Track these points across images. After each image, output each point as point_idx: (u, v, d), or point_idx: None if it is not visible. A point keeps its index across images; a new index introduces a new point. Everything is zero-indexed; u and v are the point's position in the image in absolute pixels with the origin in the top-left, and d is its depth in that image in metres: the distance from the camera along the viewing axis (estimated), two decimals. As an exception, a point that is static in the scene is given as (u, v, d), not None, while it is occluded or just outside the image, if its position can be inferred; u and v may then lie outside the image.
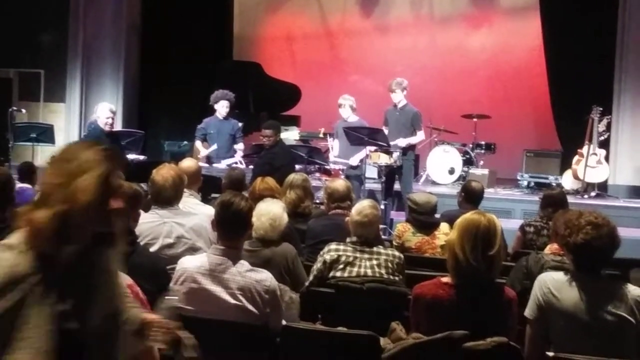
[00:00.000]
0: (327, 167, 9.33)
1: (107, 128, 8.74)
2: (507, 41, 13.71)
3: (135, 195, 3.92)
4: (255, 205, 5.26)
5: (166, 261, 4.11)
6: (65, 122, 12.58)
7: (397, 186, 9.29)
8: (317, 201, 6.78)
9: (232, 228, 3.70)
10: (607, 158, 10.52)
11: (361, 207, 4.53)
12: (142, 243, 4.14)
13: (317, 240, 5.20)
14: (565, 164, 11.06)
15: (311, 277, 4.45)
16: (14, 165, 9.36)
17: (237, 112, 10.71)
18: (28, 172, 7.38)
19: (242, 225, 3.73)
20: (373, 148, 8.82)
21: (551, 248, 4.53)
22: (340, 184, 5.71)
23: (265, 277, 3.63)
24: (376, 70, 13.80)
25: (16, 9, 12.30)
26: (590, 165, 10.24)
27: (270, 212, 4.58)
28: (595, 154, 10.29)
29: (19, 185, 6.19)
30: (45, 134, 10.59)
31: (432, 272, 4.32)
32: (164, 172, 4.68)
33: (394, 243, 5.66)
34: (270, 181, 5.67)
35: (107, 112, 8.81)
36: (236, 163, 9.49)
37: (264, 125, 8.81)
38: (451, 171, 11.75)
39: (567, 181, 10.72)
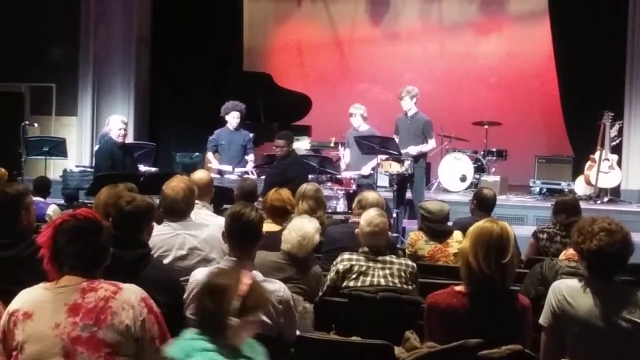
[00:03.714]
0: (339, 176, 9.32)
1: (120, 140, 8.75)
2: (516, 47, 13.69)
3: (148, 208, 3.93)
4: (267, 215, 5.30)
5: (179, 273, 4.12)
6: (77, 135, 12.65)
7: (408, 194, 9.27)
8: (329, 211, 6.78)
9: (243, 239, 3.70)
10: (619, 163, 10.48)
11: (370, 218, 4.51)
12: (155, 255, 4.14)
13: (334, 247, 5.19)
14: (578, 170, 11.03)
15: (324, 287, 4.45)
16: (27, 179, 9.41)
17: (248, 123, 10.73)
18: (43, 186, 7.42)
19: (253, 236, 3.74)
20: (384, 157, 8.82)
21: (566, 254, 4.51)
22: (372, 194, 5.69)
23: (278, 287, 3.64)
24: (386, 79, 13.81)
25: (27, 23, 12.38)
26: (602, 171, 10.20)
27: (302, 229, 4.56)
28: (608, 160, 10.25)
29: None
30: (58, 147, 10.65)
31: (446, 281, 4.31)
32: (174, 185, 4.68)
33: (407, 251, 5.65)
34: (283, 192, 5.66)
35: (120, 124, 8.83)
36: (247, 173, 9.50)
37: (277, 136, 8.82)
38: (463, 179, 11.73)
39: (580, 187, 10.68)
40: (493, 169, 11.95)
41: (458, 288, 3.42)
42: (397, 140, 9.05)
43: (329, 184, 9.25)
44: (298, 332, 3.73)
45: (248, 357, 2.66)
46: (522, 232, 6.85)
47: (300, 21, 15.05)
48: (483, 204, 6.21)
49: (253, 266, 3.70)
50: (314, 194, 5.89)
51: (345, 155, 9.81)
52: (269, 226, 5.11)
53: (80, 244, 2.79)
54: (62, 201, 9.10)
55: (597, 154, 10.27)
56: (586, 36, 11.20)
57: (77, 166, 11.14)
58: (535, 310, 3.49)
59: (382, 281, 4.33)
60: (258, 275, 3.63)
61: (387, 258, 4.44)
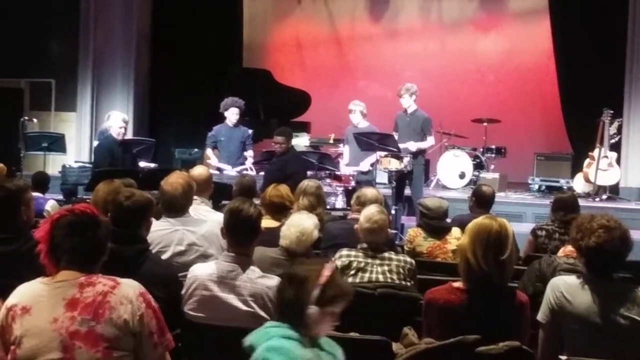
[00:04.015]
0: (338, 172, 9.32)
1: (119, 137, 8.76)
2: (516, 45, 13.70)
3: (146, 203, 3.93)
4: (265, 212, 5.30)
5: (178, 269, 4.12)
6: (76, 131, 12.64)
7: (407, 191, 9.28)
8: (328, 207, 6.78)
9: (241, 235, 3.71)
10: (618, 161, 10.48)
11: (370, 214, 4.51)
12: (154, 251, 4.15)
13: (332, 243, 5.19)
14: (577, 167, 11.03)
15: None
16: (26, 174, 9.40)
17: (247, 119, 10.74)
18: (42, 181, 7.42)
19: (252, 232, 3.74)
20: (383, 153, 8.82)
21: (564, 250, 4.51)
22: (370, 191, 5.69)
23: (276, 283, 3.63)
24: (385, 76, 13.80)
25: (26, 19, 12.37)
26: (601, 168, 10.21)
27: (301, 225, 4.55)
28: (607, 157, 10.25)
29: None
30: (57, 143, 10.63)
31: (444, 277, 4.31)
32: (173, 181, 4.69)
33: (406, 248, 5.65)
34: (282, 188, 5.65)
35: (120, 122, 8.83)
36: (246, 170, 9.50)
37: (275, 132, 8.83)
38: (462, 175, 11.73)
39: (579, 184, 10.68)
40: (492, 166, 11.95)
41: (456, 284, 3.43)
42: (396, 137, 9.04)
43: (328, 180, 9.25)
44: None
45: (326, 351, 2.72)
46: (521, 229, 6.86)
47: (299, 18, 15.05)
48: (482, 201, 6.21)
49: (251, 262, 3.70)
50: (315, 191, 5.89)
51: (345, 152, 9.81)
52: (267, 222, 5.12)
53: (78, 239, 2.78)
54: (60, 197, 9.09)
55: (596, 151, 10.27)
56: (586, 34, 11.19)
57: (76, 162, 11.12)
58: (534, 307, 3.49)
59: (381, 277, 4.34)
60: (256, 270, 3.64)
61: (386, 254, 4.44)
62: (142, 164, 9.56)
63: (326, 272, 2.70)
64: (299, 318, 2.65)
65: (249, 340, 2.70)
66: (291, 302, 2.69)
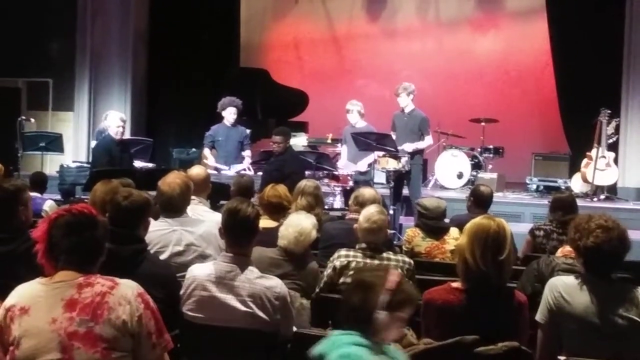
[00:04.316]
0: (336, 173, 9.32)
1: (117, 137, 8.75)
2: (514, 44, 13.70)
3: (144, 203, 3.93)
4: (263, 212, 5.30)
5: (176, 269, 4.11)
6: (73, 130, 12.62)
7: (405, 191, 9.28)
8: (326, 207, 6.78)
9: (239, 235, 3.70)
10: (616, 161, 10.48)
11: (369, 214, 4.52)
12: (152, 251, 4.14)
13: (331, 243, 5.20)
14: (574, 167, 11.03)
15: (321, 283, 4.46)
16: (24, 174, 9.40)
17: (244, 119, 10.73)
18: (40, 181, 7.42)
19: (250, 232, 3.73)
20: (381, 153, 8.81)
21: (563, 251, 4.51)
22: (368, 191, 5.69)
23: (275, 283, 3.64)
24: (383, 75, 13.80)
25: (24, 18, 12.36)
26: (599, 168, 10.20)
27: (299, 225, 4.56)
28: (604, 157, 10.25)
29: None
30: (54, 143, 10.62)
31: (442, 277, 4.32)
32: (170, 181, 4.68)
33: (404, 248, 5.65)
34: (280, 188, 5.66)
35: (118, 121, 8.81)
36: (244, 170, 9.50)
37: (274, 132, 8.82)
38: (460, 175, 11.73)
39: (576, 184, 10.68)
40: (490, 166, 11.95)
41: (455, 285, 3.43)
42: (394, 136, 9.04)
43: (326, 180, 9.25)
44: (295, 329, 3.73)
45: (393, 357, 2.70)
46: (519, 230, 6.85)
47: (297, 17, 15.04)
48: (480, 201, 6.21)
49: (250, 262, 3.70)
50: (313, 191, 5.90)
51: (343, 152, 9.81)
52: (265, 222, 5.12)
53: (75, 239, 2.78)
54: (58, 197, 9.08)
55: (594, 151, 10.26)
56: (583, 33, 11.18)
57: (73, 162, 11.11)
58: (532, 307, 3.49)
59: (379, 278, 4.33)
60: (254, 271, 3.63)
61: (384, 255, 4.45)
62: (140, 163, 9.55)
63: (394, 278, 2.70)
64: (368, 324, 2.63)
65: (318, 349, 2.67)
66: (359, 307, 2.67)
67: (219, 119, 10.00)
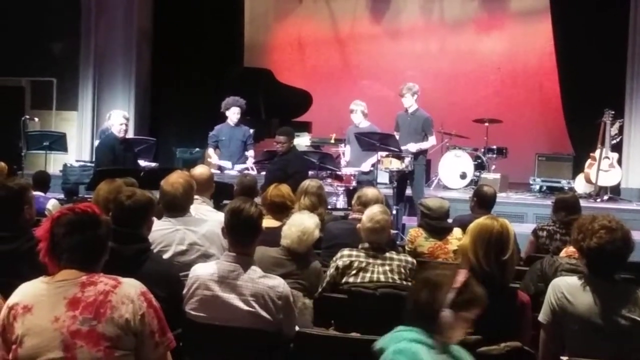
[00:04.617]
0: (339, 172, 9.32)
1: (121, 135, 8.76)
2: (518, 45, 13.69)
3: (148, 202, 3.93)
4: (266, 211, 5.30)
5: (179, 268, 4.12)
6: (77, 130, 12.65)
7: (408, 191, 9.27)
8: (329, 207, 6.78)
9: (242, 234, 3.69)
10: (619, 161, 10.47)
11: (372, 214, 4.52)
12: (155, 250, 4.15)
13: (333, 243, 5.20)
14: (578, 168, 11.03)
15: (324, 283, 4.46)
16: (27, 173, 9.41)
17: (248, 119, 10.73)
18: (43, 180, 7.43)
19: (253, 232, 3.72)
20: (384, 153, 8.81)
21: (567, 251, 4.51)
22: (371, 191, 5.69)
23: (277, 283, 3.63)
24: (387, 75, 13.80)
25: (28, 18, 12.38)
26: (602, 169, 10.20)
27: (302, 224, 4.56)
28: (608, 158, 10.24)
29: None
30: (58, 142, 10.64)
31: (445, 278, 4.31)
32: (173, 181, 4.67)
33: (407, 248, 5.65)
34: (283, 188, 5.65)
35: (121, 119, 8.83)
36: (247, 169, 9.50)
37: (278, 132, 8.83)
38: (463, 176, 11.73)
39: (580, 185, 10.67)
40: (493, 167, 11.95)
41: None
42: (397, 137, 9.04)
43: (329, 180, 9.25)
44: (297, 328, 3.73)
45: (457, 358, 2.68)
46: (522, 230, 6.86)
47: (301, 17, 15.04)
48: (483, 202, 6.20)
49: (253, 262, 3.70)
50: (317, 191, 5.90)
51: (346, 152, 9.81)
52: (268, 222, 5.12)
53: (77, 237, 2.78)
54: (62, 196, 9.10)
55: (598, 152, 10.26)
56: (587, 34, 11.18)
57: (77, 161, 11.13)
58: (535, 307, 3.49)
59: (382, 277, 4.34)
60: (257, 270, 3.63)
61: (387, 254, 4.45)
62: (143, 163, 9.56)
63: (461, 277, 2.68)
64: (432, 322, 2.61)
65: (379, 343, 2.67)
66: (424, 305, 2.65)
67: (223, 118, 10.00)
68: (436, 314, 2.60)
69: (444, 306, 2.60)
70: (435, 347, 2.59)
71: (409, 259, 4.52)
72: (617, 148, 10.55)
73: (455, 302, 2.62)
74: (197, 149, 11.48)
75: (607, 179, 10.31)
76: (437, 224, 5.66)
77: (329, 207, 6.87)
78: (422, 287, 2.72)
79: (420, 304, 2.67)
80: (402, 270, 4.39)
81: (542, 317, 3.42)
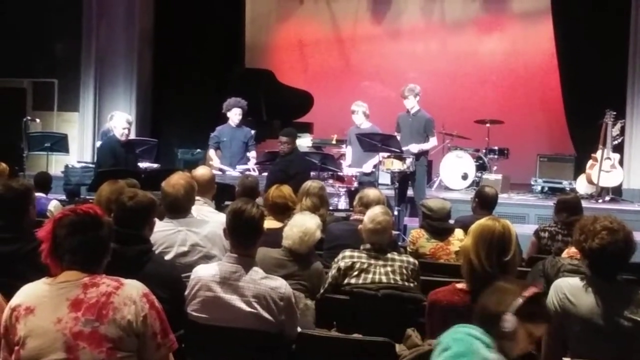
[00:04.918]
0: (341, 173, 9.32)
1: (123, 138, 8.74)
2: (519, 45, 13.69)
3: (150, 203, 3.93)
4: (268, 212, 5.30)
5: (181, 269, 4.12)
6: (79, 131, 12.65)
7: (410, 192, 9.27)
8: (331, 208, 6.78)
9: (244, 236, 3.70)
10: (621, 162, 10.47)
11: (374, 215, 4.52)
12: (157, 251, 4.15)
13: (335, 243, 5.20)
14: (579, 169, 11.02)
15: (326, 284, 4.45)
16: (29, 174, 9.41)
17: (249, 120, 10.73)
18: (44, 181, 7.43)
19: (254, 233, 3.73)
20: (386, 154, 8.81)
21: (569, 252, 4.51)
22: (373, 192, 5.69)
23: (279, 284, 3.63)
24: (388, 76, 13.81)
25: (29, 19, 12.39)
26: (604, 170, 10.20)
27: (303, 225, 4.57)
28: (609, 158, 10.24)
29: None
30: (60, 143, 10.65)
31: (447, 278, 4.32)
32: (174, 182, 4.68)
33: (409, 249, 5.65)
34: (285, 189, 5.66)
35: (124, 122, 8.80)
36: (249, 170, 9.50)
37: (281, 133, 8.83)
38: (464, 177, 11.72)
39: (581, 186, 10.67)
40: (495, 167, 11.94)
41: (459, 286, 3.43)
42: (398, 137, 9.04)
43: (331, 181, 9.25)
44: (299, 329, 3.73)
45: None
46: (524, 231, 6.85)
47: (302, 18, 15.04)
48: (485, 202, 6.21)
49: (254, 263, 3.70)
50: (318, 192, 5.90)
51: (347, 153, 9.81)
52: (270, 223, 5.11)
53: (79, 238, 2.78)
54: (63, 197, 9.10)
55: (599, 152, 10.25)
56: (589, 35, 11.18)
57: (78, 162, 11.14)
58: (537, 308, 3.48)
59: (384, 278, 4.34)
60: (259, 271, 3.64)
61: (389, 255, 4.44)
62: (144, 164, 9.57)
63: (533, 289, 2.66)
64: (494, 323, 2.59)
65: (440, 338, 2.68)
66: (490, 305, 2.65)
67: (224, 119, 10.01)
68: (500, 315, 2.58)
69: (508, 310, 2.58)
70: (492, 347, 2.57)
71: (411, 259, 4.52)
72: (619, 149, 10.54)
73: (521, 309, 2.59)
74: (199, 150, 11.48)
75: (609, 180, 10.31)
76: (438, 224, 5.66)
77: (331, 208, 6.86)
78: (492, 292, 2.71)
79: (487, 305, 2.67)
80: (404, 271, 4.38)
81: (544, 318, 3.42)
